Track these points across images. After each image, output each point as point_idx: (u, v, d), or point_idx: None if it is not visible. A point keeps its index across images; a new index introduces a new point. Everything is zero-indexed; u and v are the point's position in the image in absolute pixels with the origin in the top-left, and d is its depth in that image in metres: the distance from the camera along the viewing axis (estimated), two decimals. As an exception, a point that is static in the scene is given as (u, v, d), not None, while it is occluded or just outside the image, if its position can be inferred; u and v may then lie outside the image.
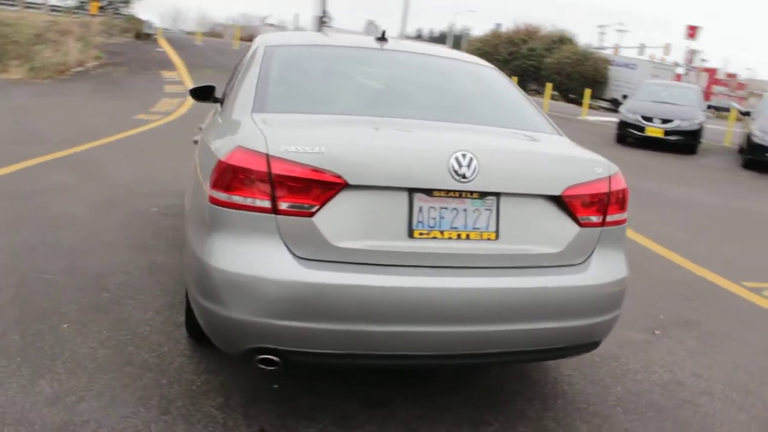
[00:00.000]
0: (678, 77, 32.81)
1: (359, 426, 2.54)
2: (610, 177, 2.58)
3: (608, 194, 2.55)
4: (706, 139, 14.55)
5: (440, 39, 61.55)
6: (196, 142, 3.66)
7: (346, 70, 3.26)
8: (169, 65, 18.79)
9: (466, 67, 3.52)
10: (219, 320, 2.28)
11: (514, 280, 2.38)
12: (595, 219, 2.53)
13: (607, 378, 3.19)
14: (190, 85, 5.33)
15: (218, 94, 3.75)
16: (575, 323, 2.46)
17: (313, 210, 2.21)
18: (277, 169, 2.19)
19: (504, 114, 3.11)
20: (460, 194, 2.35)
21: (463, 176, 2.31)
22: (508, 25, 41.90)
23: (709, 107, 19.12)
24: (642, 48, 55.50)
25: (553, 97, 27.62)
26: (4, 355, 2.79)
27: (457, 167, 2.31)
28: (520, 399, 2.90)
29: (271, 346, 2.24)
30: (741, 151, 13.55)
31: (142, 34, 23.94)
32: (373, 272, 2.25)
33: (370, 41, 3.41)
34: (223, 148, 2.39)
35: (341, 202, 2.23)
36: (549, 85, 25.32)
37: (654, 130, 14.02)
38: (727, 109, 22.54)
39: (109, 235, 4.61)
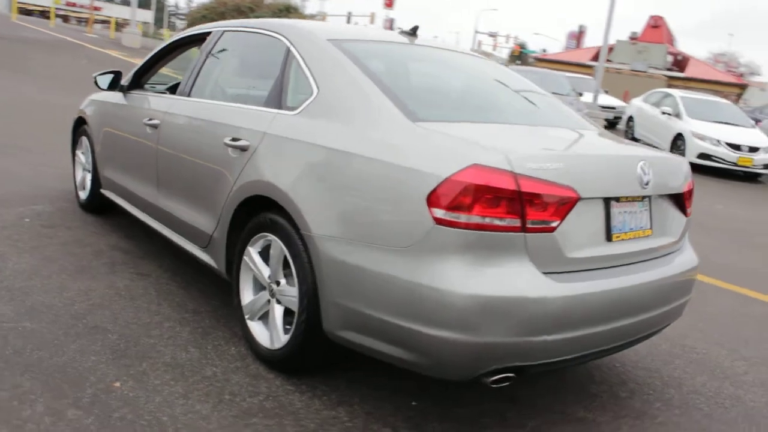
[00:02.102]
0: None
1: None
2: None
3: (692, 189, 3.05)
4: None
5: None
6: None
7: (429, 70, 3.20)
8: None
9: (489, 63, 3.72)
10: (459, 347, 2.17)
11: (668, 268, 2.73)
12: (689, 210, 3.00)
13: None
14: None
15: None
16: (682, 301, 2.91)
17: (555, 225, 2.26)
18: (527, 186, 2.17)
19: (558, 112, 3.37)
20: (634, 198, 2.61)
21: (646, 183, 2.59)
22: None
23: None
24: (349, 16, 59.01)
25: None
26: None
27: (642, 175, 2.58)
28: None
29: (518, 364, 2.25)
30: None
31: None
32: (602, 277, 2.40)
33: (403, 36, 3.40)
34: (428, 163, 2.23)
35: (573, 215, 2.32)
36: None
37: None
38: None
39: None
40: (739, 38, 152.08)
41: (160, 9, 71.52)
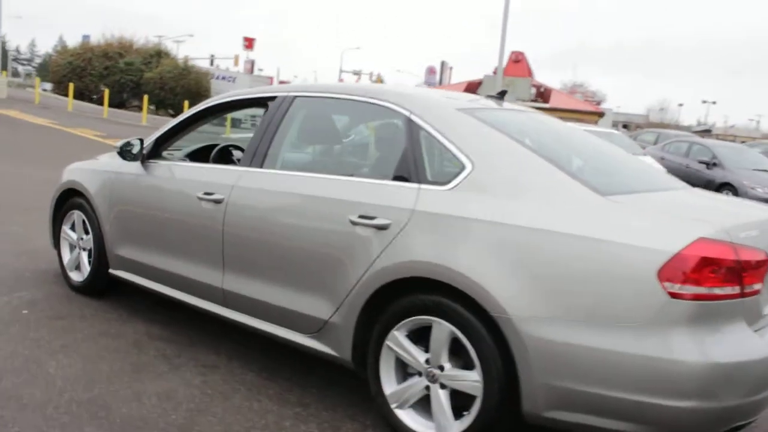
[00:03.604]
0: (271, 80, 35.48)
1: None
2: None
3: None
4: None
5: None
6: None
7: (554, 138, 3.12)
8: None
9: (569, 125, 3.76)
10: (699, 415, 2.20)
11: None
12: None
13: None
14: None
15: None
16: None
17: (758, 287, 2.33)
18: (743, 255, 2.24)
19: (652, 175, 3.39)
20: None
21: None
22: (96, 37, 38.52)
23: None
24: (212, 59, 57.94)
25: (151, 111, 27.14)
26: None
27: None
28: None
29: (739, 424, 2.30)
30: None
31: None
32: None
33: (493, 101, 3.35)
34: (650, 239, 2.23)
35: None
36: (146, 98, 25.14)
37: None
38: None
39: None
40: (580, 70, 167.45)
41: (3, 54, 66.19)
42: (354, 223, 2.76)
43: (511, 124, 2.97)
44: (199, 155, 4.14)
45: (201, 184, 3.42)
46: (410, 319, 2.62)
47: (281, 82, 65.93)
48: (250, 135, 3.34)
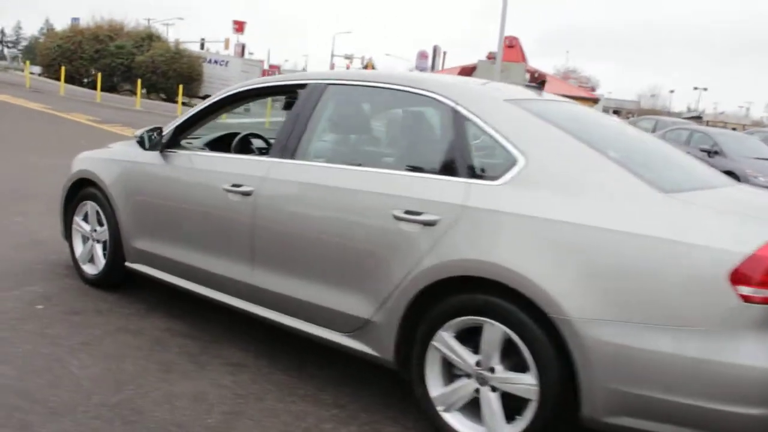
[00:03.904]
0: (264, 73, 35.12)
1: None
2: None
3: None
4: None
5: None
6: None
7: (597, 133, 2.98)
8: None
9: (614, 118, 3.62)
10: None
11: None
12: None
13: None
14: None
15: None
16: None
17: None
18: None
19: (702, 171, 3.26)
20: None
21: None
22: (85, 19, 37.78)
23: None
24: (203, 42, 57.24)
25: (143, 95, 26.71)
26: None
27: None
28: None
29: None
30: None
31: None
32: None
33: (533, 92, 3.22)
34: (718, 239, 2.12)
35: None
36: (139, 82, 24.73)
37: None
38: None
39: None
40: (572, 54, 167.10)
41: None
42: (398, 219, 2.64)
43: (559, 115, 2.85)
44: (219, 144, 3.99)
45: (227, 175, 3.28)
46: (459, 319, 2.51)
47: (272, 66, 65.39)
48: (255, 122, 3.18)
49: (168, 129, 3.73)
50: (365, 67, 63.53)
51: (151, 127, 3.71)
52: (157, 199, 3.65)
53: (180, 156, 3.64)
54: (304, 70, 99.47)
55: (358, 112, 3.28)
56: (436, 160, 2.75)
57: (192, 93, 30.29)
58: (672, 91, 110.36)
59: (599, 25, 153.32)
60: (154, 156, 3.73)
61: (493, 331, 2.43)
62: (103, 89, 24.84)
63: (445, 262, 2.50)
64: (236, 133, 4.11)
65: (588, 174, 2.44)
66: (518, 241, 2.38)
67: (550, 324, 2.29)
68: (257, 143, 4.09)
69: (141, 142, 3.67)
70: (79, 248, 4.28)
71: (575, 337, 2.24)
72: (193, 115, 3.70)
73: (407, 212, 2.62)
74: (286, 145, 3.13)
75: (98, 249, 4.13)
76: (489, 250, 2.42)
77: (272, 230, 3.06)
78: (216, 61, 33.98)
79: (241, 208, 3.17)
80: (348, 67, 67.77)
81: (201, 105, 3.69)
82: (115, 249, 3.97)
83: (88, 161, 4.23)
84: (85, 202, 4.18)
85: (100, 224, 4.08)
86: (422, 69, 54.47)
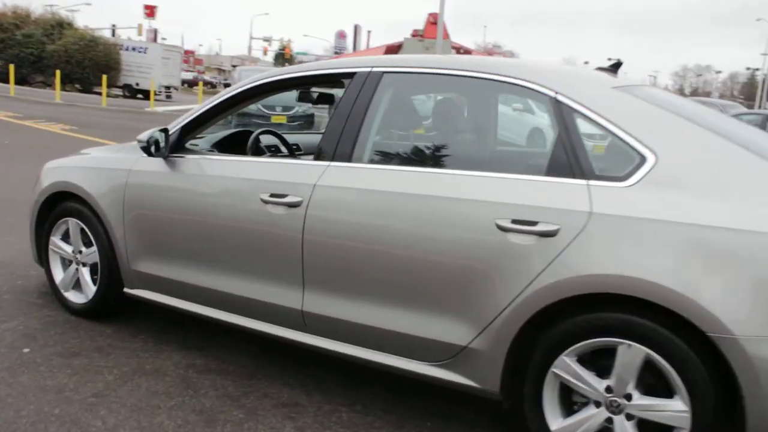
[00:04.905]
0: (185, 61, 33.52)
1: None
2: None
3: None
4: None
5: None
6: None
7: (715, 122, 2.62)
8: None
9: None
10: None
11: None
12: None
13: None
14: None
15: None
16: None
17: None
18: None
19: None
20: None
21: None
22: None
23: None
24: (114, 29, 54.26)
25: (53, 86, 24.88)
26: None
27: None
28: None
29: None
30: None
31: None
32: None
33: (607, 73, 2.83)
34: None
35: None
36: (58, 73, 22.98)
37: None
38: (196, 83, 21.97)
39: None
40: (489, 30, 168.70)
41: None
42: (504, 230, 2.23)
43: (672, 103, 2.49)
44: (228, 146, 3.46)
45: (264, 183, 2.77)
46: (587, 342, 2.15)
47: (186, 52, 62.71)
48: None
49: (173, 130, 3.16)
50: (283, 50, 61.88)
51: (158, 128, 3.12)
52: (168, 214, 3.09)
53: (190, 162, 3.10)
54: (217, 54, 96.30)
55: (430, 106, 2.83)
56: (540, 159, 2.35)
57: (110, 83, 28.46)
58: (587, 63, 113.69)
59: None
60: (157, 163, 3.17)
61: (631, 353, 2.08)
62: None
63: (571, 277, 2.12)
64: (244, 132, 3.58)
65: (732, 171, 2.11)
66: (661, 251, 2.03)
67: (705, 343, 1.97)
68: (267, 140, 3.58)
69: (147, 148, 3.09)
70: (59, 273, 3.66)
71: (741, 358, 1.93)
72: (204, 113, 3.15)
73: (516, 221, 2.22)
74: (339, 145, 2.66)
75: (85, 273, 3.52)
76: (626, 263, 2.06)
77: (330, 247, 2.59)
78: (134, 48, 32.05)
79: (286, 221, 2.68)
80: (265, 51, 65.92)
81: (213, 100, 3.14)
82: (110, 273, 3.38)
83: (64, 171, 3.59)
84: (65, 219, 3.56)
85: (87, 244, 3.47)
86: (341, 49, 53.60)
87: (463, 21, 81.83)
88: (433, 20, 45.14)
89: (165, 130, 3.12)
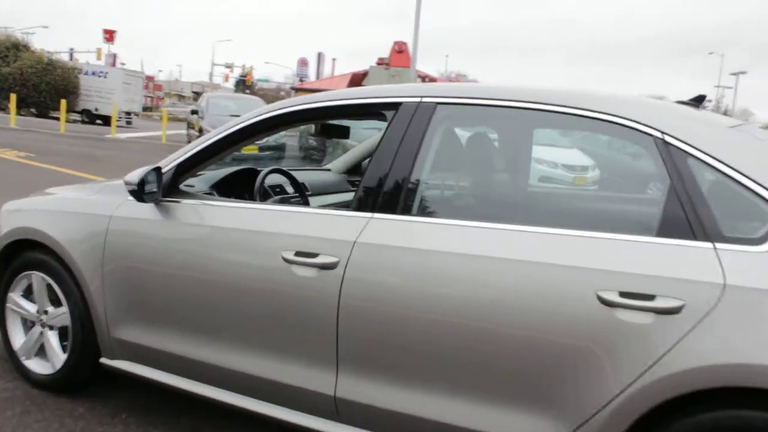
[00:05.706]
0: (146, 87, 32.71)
1: None
2: None
3: None
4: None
5: None
6: None
7: None
8: None
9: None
10: None
11: None
12: None
13: None
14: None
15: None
16: None
17: None
18: None
19: None
20: None
21: None
22: None
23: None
24: (72, 52, 52.99)
25: (7, 110, 23.77)
26: None
27: None
28: None
29: None
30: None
31: None
32: None
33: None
34: None
35: None
36: (14, 97, 21.96)
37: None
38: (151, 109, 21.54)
39: None
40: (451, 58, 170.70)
41: None
42: (611, 305, 1.76)
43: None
44: (227, 186, 2.93)
45: (287, 237, 2.25)
46: None
47: (147, 77, 61.49)
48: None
49: (166, 169, 2.63)
50: (245, 77, 61.20)
51: (150, 167, 2.56)
52: (161, 269, 2.53)
53: (187, 208, 2.56)
54: (177, 80, 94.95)
55: (498, 147, 2.35)
56: (652, 215, 1.89)
57: (69, 107, 27.44)
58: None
59: (474, 28, 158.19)
60: (147, 208, 2.62)
61: None
62: (-37, 106, 21.88)
63: (702, 367, 1.66)
64: (248, 171, 3.06)
65: None
66: None
67: None
68: (273, 179, 3.07)
69: (138, 192, 2.53)
70: (18, 337, 3.05)
71: None
72: (204, 149, 2.61)
73: (624, 294, 1.75)
74: (383, 191, 2.16)
75: (52, 338, 2.93)
76: (757, 348, 1.61)
77: (376, 320, 2.07)
78: (94, 73, 31.10)
79: (316, 286, 2.15)
80: (227, 77, 64.93)
81: (215, 134, 2.61)
82: (84, 339, 2.80)
83: (26, 215, 3.01)
84: (28, 272, 2.96)
85: (56, 303, 2.89)
86: (303, 77, 53.24)
87: (425, 51, 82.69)
88: (399, 49, 45.39)
89: (157, 169, 2.57)
